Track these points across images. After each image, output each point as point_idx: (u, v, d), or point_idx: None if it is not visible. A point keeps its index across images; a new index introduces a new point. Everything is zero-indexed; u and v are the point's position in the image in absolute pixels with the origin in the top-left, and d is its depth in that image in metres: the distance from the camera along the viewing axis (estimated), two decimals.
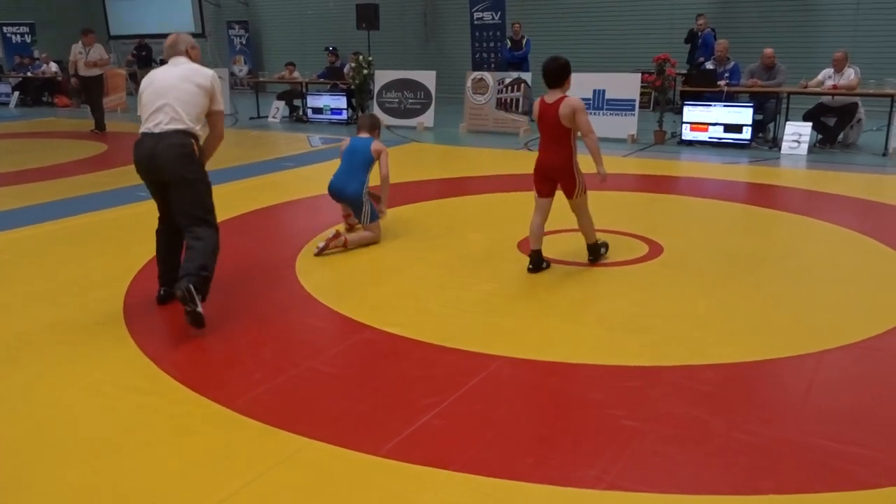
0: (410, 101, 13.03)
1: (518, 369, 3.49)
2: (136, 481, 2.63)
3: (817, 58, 12.27)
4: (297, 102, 14.55)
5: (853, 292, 4.47)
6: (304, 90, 14.41)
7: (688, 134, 10.44)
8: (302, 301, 4.45)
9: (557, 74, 4.71)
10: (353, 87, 13.28)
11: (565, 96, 4.72)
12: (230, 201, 7.11)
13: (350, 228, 5.94)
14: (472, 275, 4.88)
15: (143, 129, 4.10)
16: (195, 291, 3.82)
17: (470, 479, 2.60)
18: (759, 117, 10.29)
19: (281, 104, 14.45)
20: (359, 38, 16.44)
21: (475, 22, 15.03)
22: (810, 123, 9.81)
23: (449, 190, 7.61)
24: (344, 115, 13.63)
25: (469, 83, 12.38)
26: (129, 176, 8.56)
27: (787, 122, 9.87)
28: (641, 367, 3.46)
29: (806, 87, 9.96)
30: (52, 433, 2.98)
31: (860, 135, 10.23)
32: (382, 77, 13.31)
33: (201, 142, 4.21)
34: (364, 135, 5.89)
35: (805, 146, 9.51)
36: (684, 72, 12.32)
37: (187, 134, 4.04)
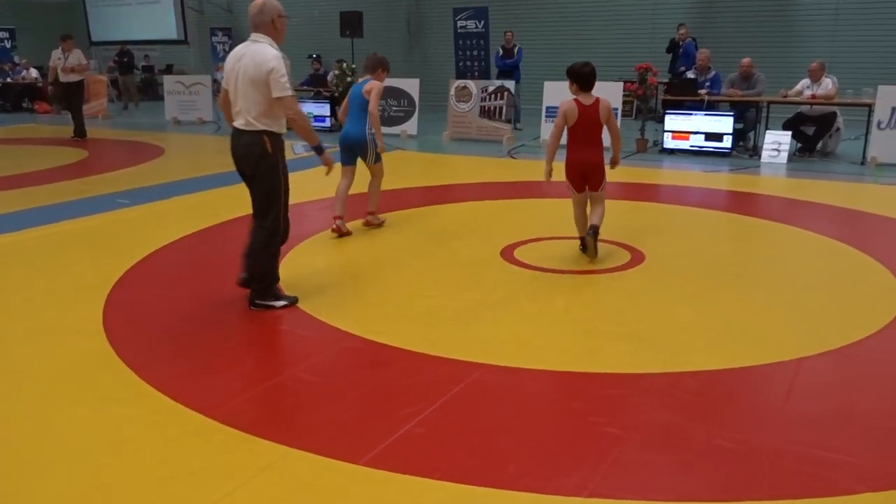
0: (394, 108, 13.05)
1: (501, 377, 3.49)
2: (114, 492, 2.60)
3: (796, 67, 12.43)
4: None
5: (832, 299, 4.52)
6: None
7: (669, 142, 10.53)
8: (284, 309, 4.43)
9: (593, 78, 5.17)
10: (336, 94, 13.27)
11: (599, 98, 5.18)
12: (213, 208, 7.08)
13: (338, 231, 5.98)
14: (455, 283, 4.88)
15: (233, 123, 4.29)
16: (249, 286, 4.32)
17: (451, 487, 2.60)
18: (740, 126, 10.40)
19: None
20: (343, 45, 16.44)
21: (459, 30, 15.08)
22: (790, 132, 9.93)
23: (432, 198, 7.62)
24: (327, 123, 13.61)
25: (452, 91, 12.42)
26: (109, 183, 8.53)
27: (767, 131, 9.99)
28: (623, 375, 3.47)
29: (786, 96, 10.08)
30: (29, 444, 2.94)
31: (839, 144, 10.36)
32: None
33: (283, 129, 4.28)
34: (366, 77, 6.06)
35: (785, 155, 9.61)
36: (666, 81, 12.42)
37: (258, 133, 4.16)
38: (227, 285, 4.87)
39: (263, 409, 3.18)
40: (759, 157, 9.83)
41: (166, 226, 6.40)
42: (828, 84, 9.76)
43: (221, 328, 4.13)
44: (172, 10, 21.53)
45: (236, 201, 7.39)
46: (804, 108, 10.09)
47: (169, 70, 20.51)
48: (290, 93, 4.13)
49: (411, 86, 12.96)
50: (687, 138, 10.41)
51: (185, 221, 6.55)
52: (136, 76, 20.31)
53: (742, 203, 7.41)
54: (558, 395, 3.32)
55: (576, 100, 5.17)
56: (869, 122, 9.49)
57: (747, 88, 10.30)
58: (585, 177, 5.26)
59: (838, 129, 10.19)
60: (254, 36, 4.23)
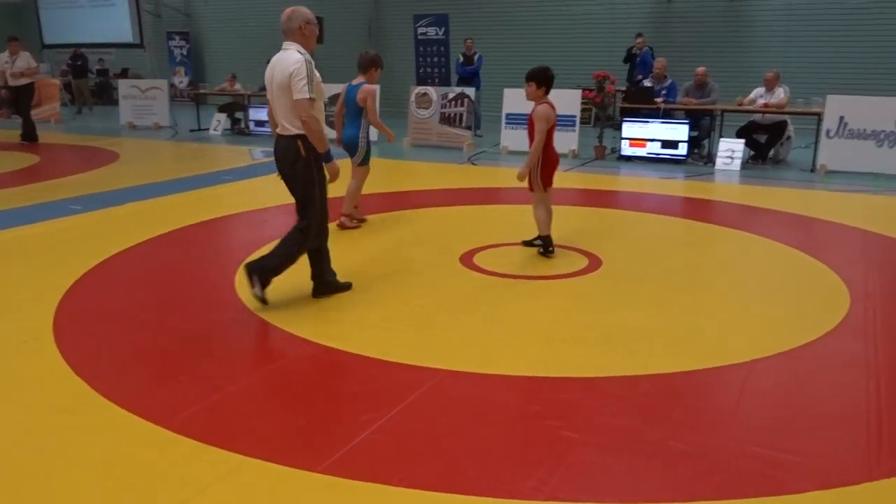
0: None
1: (459, 383, 3.50)
2: None
3: (749, 76, 12.73)
4: (239, 115, 14.36)
5: (783, 303, 4.63)
6: (246, 102, 14.24)
7: (627, 149, 10.69)
8: (240, 316, 4.38)
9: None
10: None
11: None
12: (168, 215, 6.98)
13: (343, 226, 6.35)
14: (414, 288, 4.88)
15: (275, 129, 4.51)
16: (252, 277, 4.40)
17: (409, 493, 2.60)
18: (695, 134, 10.60)
19: (222, 116, 14.25)
20: None
21: (419, 37, 15.12)
22: (743, 140, 10.16)
23: (392, 204, 7.61)
24: None
25: (413, 98, 12.43)
26: (61, 189, 8.34)
27: (721, 139, 10.20)
28: (580, 379, 3.51)
29: (741, 104, 10.31)
30: None
31: (790, 151, 10.63)
32: (326, 90, 13.22)
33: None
34: (358, 79, 6.13)
35: (738, 162, 9.83)
36: (623, 89, 12.62)
37: (293, 137, 4.34)
38: (183, 292, 4.80)
39: (219, 419, 3.14)
40: (714, 164, 10.03)
41: (120, 232, 6.28)
42: (780, 93, 10.02)
43: (176, 336, 4.07)
44: (128, 13, 21.16)
45: (192, 207, 7.30)
46: (756, 117, 10.33)
47: (124, 74, 20.14)
48: (305, 96, 4.19)
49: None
50: (644, 146, 10.58)
51: (140, 228, 6.43)
52: (90, 80, 19.92)
53: (697, 209, 7.55)
54: (516, 400, 3.34)
55: (549, 103, 5.41)
56: (818, 131, 9.76)
57: (702, 97, 10.51)
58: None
59: (789, 137, 10.46)
60: (284, 44, 4.38)
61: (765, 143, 10.37)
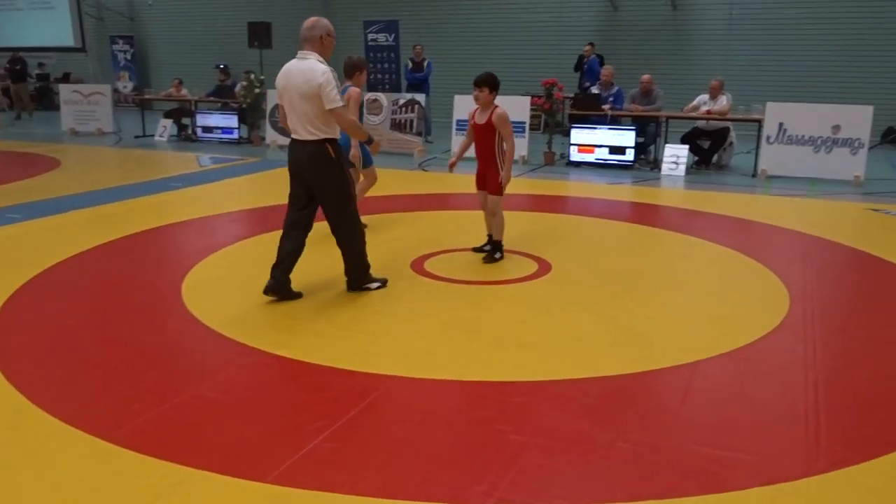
0: None
1: (409, 389, 3.50)
2: None
3: (693, 84, 13.05)
4: (185, 121, 14.12)
5: (725, 305, 4.75)
6: (193, 108, 14.01)
7: (575, 155, 10.84)
8: (187, 325, 4.31)
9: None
10: (244, 106, 13.03)
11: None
12: (112, 223, 6.82)
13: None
14: (364, 295, 4.86)
15: (291, 135, 4.62)
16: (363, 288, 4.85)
17: (360, 501, 2.58)
18: (641, 140, 10.81)
19: (168, 122, 13.98)
20: (251, 56, 16.16)
21: (369, 43, 15.08)
22: (687, 146, 10.40)
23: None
24: (235, 135, 13.33)
25: (363, 103, 12.39)
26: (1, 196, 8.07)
27: (667, 145, 10.43)
28: (529, 383, 3.54)
29: (689, 112, 10.55)
30: None
31: (732, 157, 10.93)
32: (276, 96, 13.09)
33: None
34: (345, 84, 6.03)
35: (683, 167, 10.05)
36: (572, 95, 12.80)
37: (321, 142, 4.47)
38: (127, 302, 4.70)
39: (165, 430, 3.08)
40: (660, 169, 10.24)
41: (62, 242, 6.11)
42: (722, 100, 10.28)
43: (120, 347, 3.97)
44: (69, 16, 20.61)
45: (138, 215, 7.14)
46: (700, 123, 10.59)
47: (66, 79, 19.61)
48: (340, 104, 4.42)
49: None
50: (592, 151, 10.75)
51: (83, 237, 6.27)
52: (30, 84, 19.33)
53: (643, 214, 7.70)
54: (466, 405, 3.35)
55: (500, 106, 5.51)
56: (759, 137, 10.05)
57: (647, 104, 10.73)
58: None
59: (731, 143, 10.75)
60: (301, 53, 4.50)
61: (708, 148, 10.64)
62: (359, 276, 4.88)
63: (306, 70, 4.38)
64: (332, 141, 4.52)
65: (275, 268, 4.69)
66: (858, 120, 9.49)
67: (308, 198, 4.71)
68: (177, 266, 5.48)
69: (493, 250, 5.67)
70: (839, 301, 4.92)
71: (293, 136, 4.59)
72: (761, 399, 3.44)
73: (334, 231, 4.78)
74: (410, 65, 13.68)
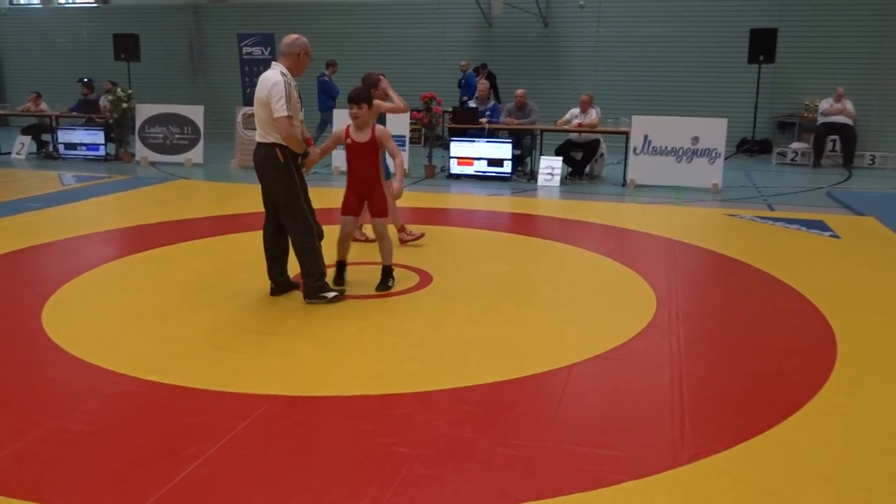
0: (177, 136, 12.46)
1: (290, 408, 3.43)
2: None
3: (565, 98, 13.60)
4: (45, 137, 13.29)
5: (598, 308, 4.96)
6: (54, 124, 13.21)
7: (455, 168, 11.02)
8: (48, 353, 4.04)
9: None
10: (111, 121, 12.42)
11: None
12: None
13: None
14: (244, 313, 4.74)
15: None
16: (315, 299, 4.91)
17: None
18: (518, 152, 11.14)
19: (27, 139, 13.12)
20: (118, 69, 15.47)
21: (245, 56, 14.73)
22: (561, 158, 10.81)
23: (220, 228, 7.35)
24: (101, 151, 12.68)
25: (240, 118, 12.10)
26: None
27: (542, 157, 10.79)
28: (411, 394, 3.56)
29: (562, 125, 10.97)
30: None
31: (603, 168, 11.45)
32: (145, 111, 12.58)
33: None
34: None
35: (557, 178, 10.44)
36: (451, 109, 13.02)
37: (271, 145, 4.73)
38: None
39: (22, 468, 2.86)
40: (536, 180, 10.59)
41: None
42: (592, 114, 10.77)
43: None
44: None
45: None
46: (573, 136, 11.03)
47: None
48: (283, 114, 4.58)
49: (195, 112, 12.48)
50: (471, 164, 10.96)
51: None
52: None
53: (521, 224, 7.92)
54: (348, 420, 3.32)
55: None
56: (627, 148, 10.58)
57: (523, 117, 11.07)
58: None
59: (602, 154, 11.27)
60: (273, 64, 4.79)
61: (580, 160, 11.10)
62: (312, 283, 4.90)
63: (267, 78, 4.68)
64: (282, 146, 4.71)
65: (271, 273, 5.07)
66: (715, 131, 10.20)
67: (269, 201, 4.97)
68: (36, 292, 5.13)
69: (386, 278, 5.32)
70: (701, 301, 5.24)
71: (256, 138, 4.86)
72: (632, 397, 3.61)
73: (288, 233, 4.96)
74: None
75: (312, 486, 2.76)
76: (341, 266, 5.33)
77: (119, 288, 5.36)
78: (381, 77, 6.41)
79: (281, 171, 4.76)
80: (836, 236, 7.16)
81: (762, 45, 13.46)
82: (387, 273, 5.33)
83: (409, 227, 6.86)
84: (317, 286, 4.91)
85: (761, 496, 2.74)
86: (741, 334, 4.50)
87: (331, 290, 4.97)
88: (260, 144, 4.78)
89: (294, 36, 4.84)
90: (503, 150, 10.86)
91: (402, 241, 6.63)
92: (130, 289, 5.33)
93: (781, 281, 5.59)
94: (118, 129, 12.52)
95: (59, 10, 19.83)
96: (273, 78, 4.64)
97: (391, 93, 6.39)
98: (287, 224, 4.91)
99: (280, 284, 5.07)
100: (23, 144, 13.01)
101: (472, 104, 11.87)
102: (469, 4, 15.80)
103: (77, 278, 5.48)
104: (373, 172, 5.20)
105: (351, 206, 5.27)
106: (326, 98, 13.75)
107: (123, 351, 4.09)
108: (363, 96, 5.10)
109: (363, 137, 5.15)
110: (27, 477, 2.80)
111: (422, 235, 6.79)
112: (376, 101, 5.91)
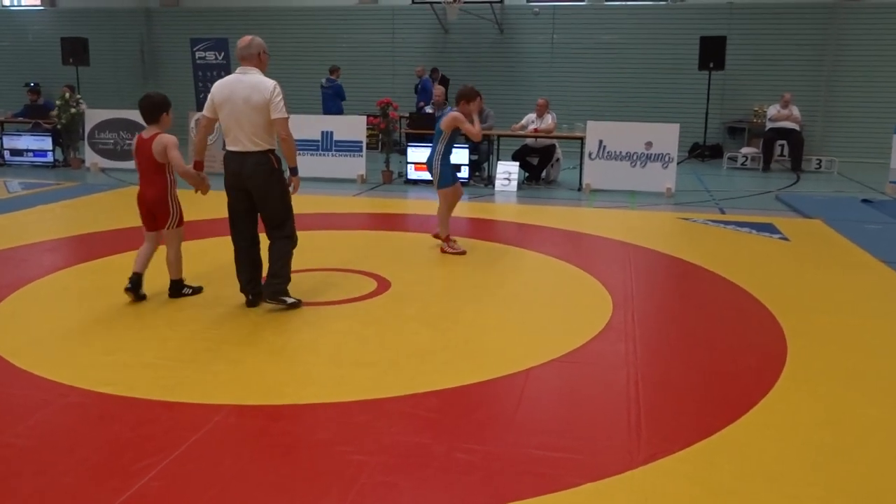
0: (128, 141, 12.16)
1: (244, 418, 3.37)
2: None
3: (520, 104, 13.68)
4: None
5: (555, 312, 4.99)
6: None
7: (412, 173, 11.00)
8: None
9: (143, 110, 4.92)
10: (59, 126, 12.11)
11: (160, 132, 4.94)
12: None
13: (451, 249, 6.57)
14: (196, 322, 4.64)
15: (228, 148, 4.74)
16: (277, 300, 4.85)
17: None
18: (475, 158, 11.16)
19: None
20: (66, 74, 15.10)
21: (198, 61, 14.54)
22: (518, 163, 10.87)
23: None
24: (49, 157, 12.34)
25: (192, 123, 11.90)
26: None
27: (499, 162, 10.84)
28: (368, 401, 3.52)
29: (518, 130, 11.02)
30: None
31: (560, 172, 11.55)
32: (94, 116, 12.29)
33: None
34: (448, 107, 6.28)
35: (514, 183, 10.49)
36: (407, 114, 13.01)
37: (265, 152, 4.69)
38: None
39: None
40: (493, 185, 10.63)
41: None
42: (548, 119, 10.86)
43: None
44: None
45: None
46: (529, 141, 11.11)
47: None
48: (286, 115, 4.64)
49: None
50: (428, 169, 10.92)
51: None
52: None
53: (479, 229, 7.93)
54: (304, 429, 3.28)
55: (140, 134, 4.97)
56: (582, 153, 10.69)
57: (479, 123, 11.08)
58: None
59: (558, 159, 11.36)
60: (242, 68, 4.73)
61: (537, 165, 11.18)
62: (278, 284, 4.84)
63: (256, 83, 4.62)
64: (273, 152, 4.73)
65: (245, 287, 4.97)
66: (667, 137, 10.36)
67: (248, 210, 4.84)
68: None
69: (185, 291, 5.18)
70: (656, 304, 5.31)
71: (233, 147, 4.71)
72: (589, 399, 3.64)
73: (272, 237, 4.88)
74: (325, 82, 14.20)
75: (267, 497, 2.71)
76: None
77: (66, 298, 5.21)
78: (480, 97, 6.83)
79: (276, 176, 4.75)
80: (786, 239, 7.34)
81: (712, 53, 13.76)
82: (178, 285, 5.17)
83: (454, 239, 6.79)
84: (281, 288, 4.86)
85: (717, 495, 2.78)
86: (695, 335, 4.57)
87: (290, 297, 4.90)
88: (250, 153, 4.66)
89: (248, 37, 4.78)
90: (460, 155, 10.86)
91: (443, 251, 6.63)
92: (78, 299, 5.19)
93: (733, 283, 5.70)
94: (67, 135, 12.20)
95: (3, 13, 19.29)
96: (266, 81, 4.63)
97: (476, 118, 6.72)
98: (276, 229, 4.85)
99: (257, 296, 4.96)
100: None
101: (428, 109, 11.88)
102: (424, 10, 15.82)
103: (22, 288, 5.31)
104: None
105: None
106: (338, 101, 14.24)
107: (70, 362, 3.97)
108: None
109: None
110: None
111: (464, 252, 6.65)
112: (461, 114, 6.47)
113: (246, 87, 4.62)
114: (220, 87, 4.72)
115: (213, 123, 4.84)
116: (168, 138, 4.91)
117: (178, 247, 5.13)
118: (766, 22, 14.90)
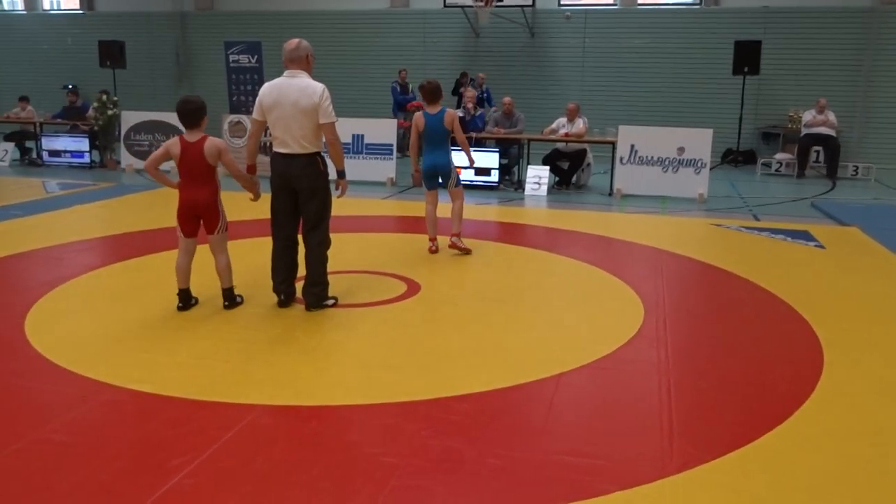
0: (162, 143, 12.36)
1: (276, 417, 3.40)
2: None
3: (551, 108, 13.62)
4: (29, 144, 13.17)
5: (586, 318, 4.96)
6: (37, 130, 13.09)
7: None
8: (30, 363, 3.99)
9: (192, 115, 4.81)
10: (96, 128, 12.33)
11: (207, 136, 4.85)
12: None
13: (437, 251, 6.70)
14: (229, 322, 4.70)
15: (276, 150, 4.83)
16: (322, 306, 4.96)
17: None
18: (505, 162, 11.14)
19: (10, 146, 12.98)
20: (104, 76, 15.37)
21: (231, 64, 14.70)
22: (548, 167, 10.83)
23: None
24: (86, 158, 12.58)
25: (226, 126, 12.06)
26: None
27: (529, 166, 10.81)
28: (398, 404, 3.53)
29: (549, 134, 10.99)
30: None
31: (590, 177, 11.47)
32: (130, 118, 12.50)
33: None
34: (434, 108, 6.49)
35: (545, 188, 10.45)
36: None
37: (313, 154, 4.76)
38: None
39: (1, 481, 2.82)
40: (523, 190, 10.60)
41: None
42: (579, 123, 10.80)
43: None
44: None
45: None
46: (560, 145, 11.06)
47: None
48: (335, 119, 4.72)
49: None
50: (459, 173, 10.91)
51: None
52: None
53: (509, 233, 7.92)
54: (334, 430, 3.30)
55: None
56: (613, 158, 10.62)
57: (510, 126, 11.09)
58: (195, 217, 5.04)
59: (589, 164, 11.29)
60: (290, 71, 4.73)
61: (567, 169, 11.12)
62: (319, 292, 4.94)
63: (304, 87, 4.65)
64: (321, 155, 4.81)
65: (279, 287, 5.01)
66: (700, 142, 10.25)
67: (292, 212, 4.91)
68: (18, 300, 5.07)
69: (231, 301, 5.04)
70: (688, 310, 5.25)
71: (281, 150, 4.77)
72: (620, 406, 3.61)
73: (308, 239, 4.91)
74: (399, 88, 14.55)
75: (299, 496, 2.73)
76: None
77: (103, 297, 5.30)
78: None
79: (323, 178, 4.82)
80: (821, 246, 7.21)
81: (746, 57, 13.58)
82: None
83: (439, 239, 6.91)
84: (323, 295, 4.96)
85: None
86: (729, 343, 4.51)
87: (330, 298, 5.02)
88: (297, 155, 4.72)
89: (295, 40, 4.78)
90: (490, 159, 10.87)
91: (454, 245, 6.74)
92: (114, 298, 5.28)
93: (767, 290, 5.62)
94: (103, 137, 12.42)
95: (43, 17, 19.71)
96: (315, 85, 4.66)
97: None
98: (313, 229, 4.89)
99: (289, 296, 5.03)
100: (6, 151, 12.87)
101: (459, 113, 11.87)
102: (456, 14, 15.85)
103: (60, 287, 5.41)
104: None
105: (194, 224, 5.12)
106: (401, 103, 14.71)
107: (107, 360, 4.04)
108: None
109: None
110: (8, 490, 2.75)
111: (469, 251, 6.77)
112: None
113: (294, 90, 4.64)
114: (268, 91, 4.73)
115: (262, 127, 4.88)
116: (220, 142, 4.89)
117: (227, 252, 5.09)
118: (802, 26, 14.68)
